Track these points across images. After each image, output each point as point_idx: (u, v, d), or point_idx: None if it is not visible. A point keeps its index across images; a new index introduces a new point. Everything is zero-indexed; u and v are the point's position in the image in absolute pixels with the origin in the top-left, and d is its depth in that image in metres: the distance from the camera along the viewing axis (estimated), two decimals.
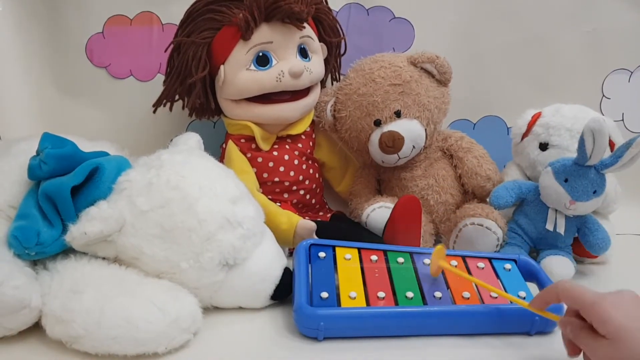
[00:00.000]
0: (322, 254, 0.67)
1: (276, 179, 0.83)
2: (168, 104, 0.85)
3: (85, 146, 0.65)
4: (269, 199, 0.80)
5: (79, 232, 0.57)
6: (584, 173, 0.71)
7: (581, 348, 0.52)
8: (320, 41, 0.85)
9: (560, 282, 0.54)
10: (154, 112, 0.85)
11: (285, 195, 0.84)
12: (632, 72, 0.99)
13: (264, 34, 0.78)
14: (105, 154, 0.67)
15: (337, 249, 0.69)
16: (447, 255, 0.69)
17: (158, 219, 0.60)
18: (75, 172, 0.60)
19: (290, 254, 0.74)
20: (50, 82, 0.96)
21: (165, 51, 0.82)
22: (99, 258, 0.61)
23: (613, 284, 0.75)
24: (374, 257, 0.67)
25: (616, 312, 0.48)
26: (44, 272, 0.60)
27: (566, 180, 0.72)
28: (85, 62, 0.95)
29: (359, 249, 0.69)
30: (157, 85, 0.87)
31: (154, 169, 0.62)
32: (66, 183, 0.59)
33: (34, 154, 0.61)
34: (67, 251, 0.61)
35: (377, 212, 0.79)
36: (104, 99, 0.97)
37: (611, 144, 0.78)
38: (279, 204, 0.80)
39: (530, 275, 0.68)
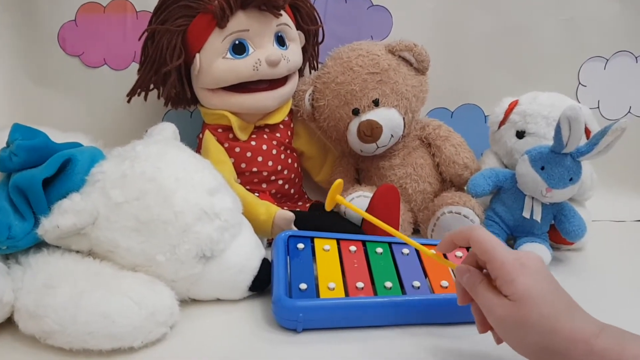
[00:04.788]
0: (300, 245, 0.67)
1: (254, 169, 0.82)
2: (143, 94, 0.84)
3: (58, 137, 0.64)
4: (247, 189, 0.79)
5: (51, 225, 0.56)
6: (560, 161, 0.71)
7: (476, 300, 0.51)
8: (297, 29, 0.85)
9: (475, 228, 0.52)
10: (129, 101, 0.84)
11: (264, 186, 0.84)
12: (607, 60, 1.00)
13: (240, 22, 0.76)
14: (78, 145, 0.65)
15: (315, 240, 0.68)
16: (426, 244, 0.69)
17: (133, 211, 0.59)
18: (46, 164, 0.59)
19: (269, 244, 0.73)
20: (22, 71, 0.93)
21: (140, 39, 0.81)
22: (73, 251, 0.60)
23: (589, 270, 0.78)
24: (352, 248, 0.68)
25: (524, 275, 0.47)
26: (16, 267, 0.59)
27: (543, 168, 0.72)
28: (58, 51, 0.93)
29: (338, 240, 0.69)
30: (131, 74, 0.85)
31: (128, 160, 0.61)
32: (38, 175, 0.58)
33: (4, 145, 0.60)
34: (40, 245, 0.60)
35: (356, 201, 0.79)
36: (77, 89, 0.94)
37: (587, 132, 0.78)
38: (258, 195, 0.80)
39: None
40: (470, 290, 0.51)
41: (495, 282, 0.49)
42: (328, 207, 0.62)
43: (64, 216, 0.57)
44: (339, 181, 0.61)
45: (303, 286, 0.61)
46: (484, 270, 0.52)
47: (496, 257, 0.49)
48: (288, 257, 0.66)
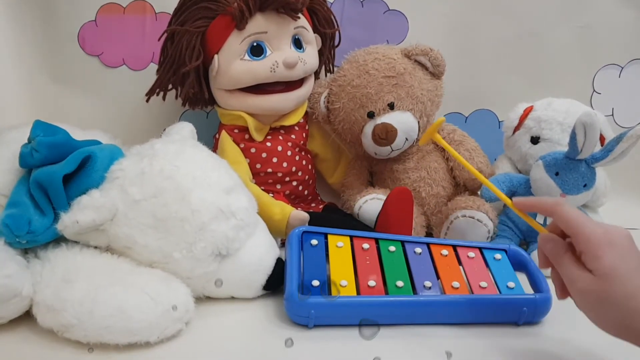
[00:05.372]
0: (314, 242, 0.68)
1: (269, 170, 0.83)
2: (161, 94, 0.85)
3: (78, 135, 0.65)
4: (262, 189, 0.80)
5: (70, 220, 0.57)
6: (574, 167, 0.72)
7: (558, 270, 0.51)
8: (314, 32, 0.85)
9: (560, 204, 0.51)
10: (147, 101, 0.85)
11: (278, 187, 0.84)
12: (622, 68, 1.00)
13: (259, 24, 0.77)
14: (98, 142, 0.67)
15: (329, 236, 0.69)
16: (438, 244, 0.70)
17: (151, 208, 0.60)
18: (67, 160, 0.60)
19: (283, 244, 0.74)
20: (42, 70, 0.95)
21: (159, 40, 0.82)
22: (91, 247, 0.61)
23: None
24: (365, 245, 0.68)
25: (611, 251, 0.46)
26: (35, 261, 0.60)
27: (557, 174, 0.72)
28: (78, 51, 0.94)
29: (351, 237, 0.69)
30: (150, 74, 0.87)
31: (147, 158, 0.62)
32: (58, 171, 0.59)
33: (26, 141, 0.61)
34: (59, 240, 0.61)
35: (369, 203, 0.80)
36: (96, 88, 0.96)
37: (601, 139, 0.78)
38: (272, 195, 0.80)
39: (520, 265, 0.68)
40: (554, 259, 0.51)
41: (580, 256, 0.49)
42: (422, 142, 0.67)
43: (83, 212, 0.58)
44: (441, 119, 0.63)
45: (315, 283, 0.62)
46: (567, 239, 0.51)
47: (583, 232, 0.48)
48: (301, 253, 0.66)
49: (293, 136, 0.86)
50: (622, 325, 0.46)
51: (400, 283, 0.63)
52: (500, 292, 0.63)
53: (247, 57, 0.78)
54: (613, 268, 0.46)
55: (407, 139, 0.82)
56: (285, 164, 0.84)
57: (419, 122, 0.83)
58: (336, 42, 0.91)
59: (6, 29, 0.92)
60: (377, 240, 0.69)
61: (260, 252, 0.64)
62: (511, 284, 0.64)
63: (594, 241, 0.47)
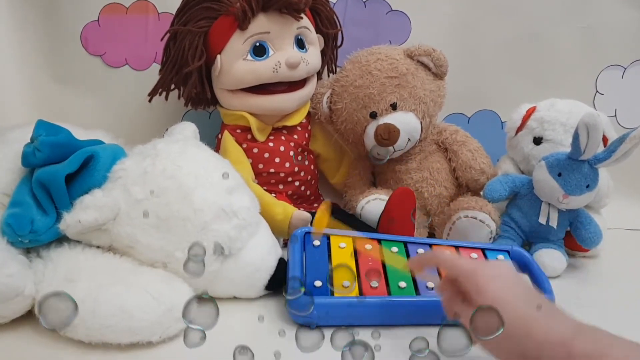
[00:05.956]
0: (316, 242, 0.68)
1: (271, 170, 0.83)
2: (164, 94, 0.85)
3: (80, 135, 0.65)
4: (264, 190, 0.80)
5: (73, 220, 0.57)
6: (577, 167, 0.71)
7: (458, 314, 0.52)
8: (317, 32, 0.85)
9: (439, 251, 0.55)
10: (150, 101, 0.85)
11: (281, 187, 0.84)
12: (625, 69, 0.99)
13: (261, 24, 0.77)
14: (100, 142, 0.67)
15: (331, 237, 0.69)
16: (441, 245, 0.70)
17: (153, 208, 0.60)
18: (69, 160, 0.60)
19: (285, 244, 0.74)
20: (45, 70, 0.95)
21: (162, 40, 0.82)
22: (93, 246, 0.61)
23: (603, 278, 0.77)
24: (368, 246, 0.68)
25: (492, 284, 0.49)
26: (37, 260, 0.60)
27: (560, 175, 0.72)
28: (80, 51, 0.94)
29: (354, 238, 0.69)
30: (152, 74, 0.87)
31: (149, 157, 0.63)
32: (60, 171, 0.59)
33: (28, 141, 0.61)
34: (61, 239, 0.61)
35: (372, 204, 0.80)
36: (99, 88, 0.96)
37: (604, 139, 0.78)
38: (274, 195, 0.80)
39: (523, 266, 0.69)
40: (449, 305, 0.54)
41: (469, 295, 0.51)
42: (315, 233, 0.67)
43: (85, 211, 0.58)
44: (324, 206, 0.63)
45: (318, 283, 0.62)
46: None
47: (463, 271, 0.51)
48: (304, 254, 0.66)
49: (295, 136, 0.86)
50: (517, 353, 0.47)
51: (402, 284, 0.63)
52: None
53: (249, 57, 0.78)
54: (497, 298, 0.48)
55: (409, 140, 0.82)
56: (287, 164, 0.84)
57: (421, 122, 0.83)
58: (339, 43, 0.91)
59: (9, 28, 0.93)
60: (379, 241, 0.69)
61: (262, 252, 0.64)
62: None
63: (474, 278, 0.50)
